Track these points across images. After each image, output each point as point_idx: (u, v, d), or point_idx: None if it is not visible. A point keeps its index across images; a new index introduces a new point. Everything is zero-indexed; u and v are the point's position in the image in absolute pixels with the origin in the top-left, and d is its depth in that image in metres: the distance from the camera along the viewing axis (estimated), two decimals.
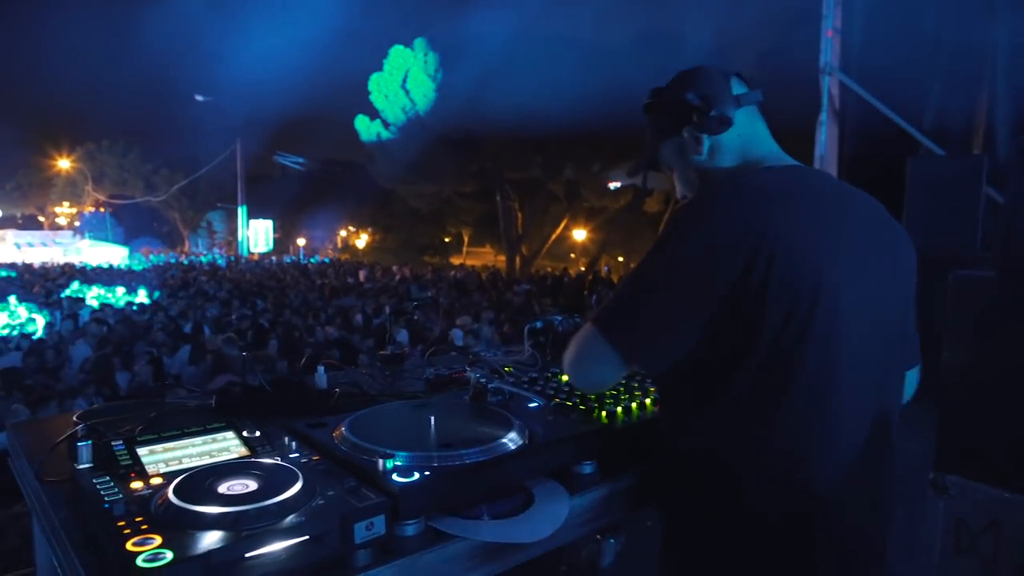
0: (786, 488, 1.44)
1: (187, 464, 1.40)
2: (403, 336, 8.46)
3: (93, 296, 15.51)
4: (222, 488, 1.24)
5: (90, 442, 1.38)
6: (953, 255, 5.31)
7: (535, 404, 1.82)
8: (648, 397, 1.88)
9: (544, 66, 21.18)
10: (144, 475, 1.33)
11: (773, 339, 1.38)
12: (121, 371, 8.04)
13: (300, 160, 40.31)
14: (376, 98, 25.95)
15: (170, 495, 1.20)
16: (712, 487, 1.50)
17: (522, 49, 22.21)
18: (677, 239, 1.46)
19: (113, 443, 1.43)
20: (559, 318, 2.88)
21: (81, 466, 1.35)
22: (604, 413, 1.74)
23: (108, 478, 1.30)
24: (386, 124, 25.90)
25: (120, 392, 7.34)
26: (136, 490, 1.26)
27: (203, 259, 32.97)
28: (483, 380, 1.90)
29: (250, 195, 31.70)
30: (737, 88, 1.64)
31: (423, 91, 24.51)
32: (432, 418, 1.62)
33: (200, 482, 1.25)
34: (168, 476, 1.32)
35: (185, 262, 30.46)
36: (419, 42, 24.86)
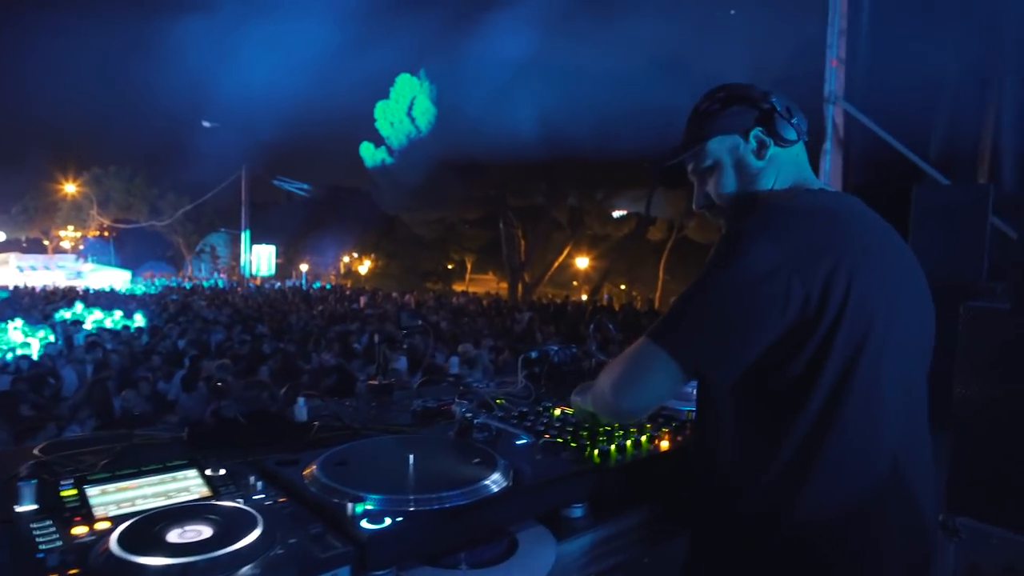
0: (832, 517, 1.39)
1: (140, 506, 1.29)
2: (402, 363, 8.33)
3: (92, 320, 15.40)
4: (172, 535, 1.13)
5: (35, 481, 1.27)
6: (959, 285, 5.22)
7: (523, 441, 1.71)
8: (644, 435, 1.77)
9: (549, 94, 21.27)
10: (90, 519, 1.22)
11: (837, 367, 1.36)
12: (116, 396, 7.91)
13: (304, 186, 40.43)
14: (381, 125, 26.09)
15: (112, 544, 1.09)
16: (753, 516, 1.43)
17: (527, 77, 22.33)
18: (742, 254, 1.37)
19: (61, 483, 1.32)
20: (555, 348, 2.78)
21: (22, 508, 1.24)
22: (596, 452, 1.62)
23: (50, 522, 1.19)
24: (391, 151, 26.01)
25: (115, 418, 7.21)
26: (78, 536, 1.15)
27: (206, 284, 32.97)
28: (469, 415, 1.79)
29: (254, 220, 31.76)
30: (778, 105, 1.62)
31: (428, 118, 24.63)
32: (411, 457, 1.51)
33: (147, 529, 1.14)
34: (117, 520, 1.21)
35: (187, 286, 30.40)
36: (425, 71, 25.05)
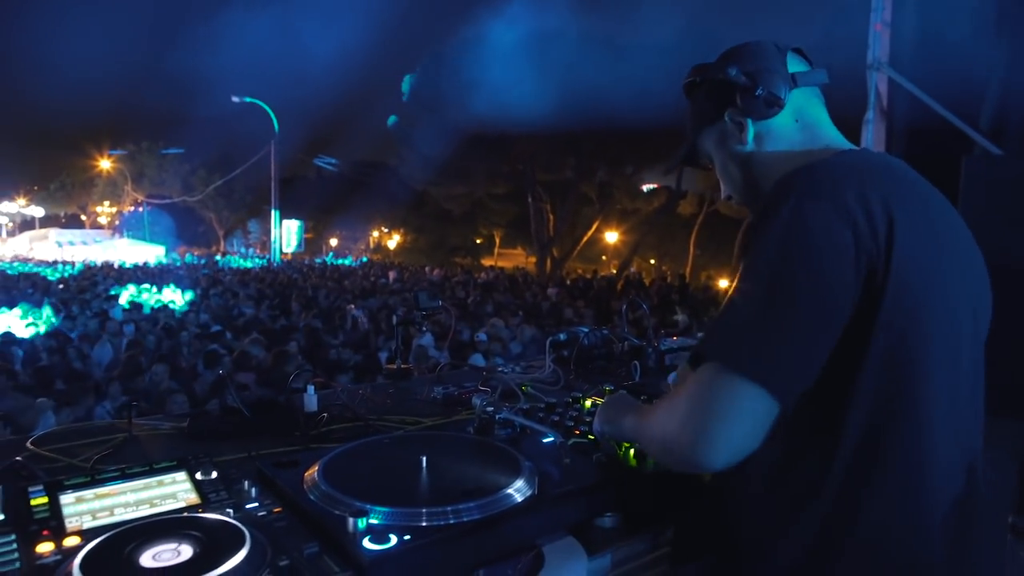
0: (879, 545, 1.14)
1: (119, 516, 1.15)
2: (427, 339, 8.20)
3: (128, 296, 15.43)
4: (145, 557, 0.99)
5: (1, 488, 1.13)
6: (1014, 262, 4.95)
7: (550, 439, 1.54)
8: None
9: (578, 66, 20.85)
10: (60, 532, 1.08)
11: (881, 362, 1.11)
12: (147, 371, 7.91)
13: (333, 161, 40.41)
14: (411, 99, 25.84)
15: (74, 569, 0.94)
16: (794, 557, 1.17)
17: (556, 48, 21.91)
18: (784, 238, 1.11)
19: (31, 490, 1.18)
20: (585, 330, 2.61)
21: None
22: (632, 452, 1.44)
23: (13, 537, 1.05)
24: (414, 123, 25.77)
25: (143, 393, 7.21)
26: (41, 556, 1.01)
27: (236, 259, 33.28)
28: (490, 409, 1.62)
29: (284, 196, 31.80)
30: (795, 65, 1.35)
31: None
32: (423, 460, 1.34)
33: (118, 549, 1.00)
34: (89, 534, 1.07)
35: (219, 261, 30.65)
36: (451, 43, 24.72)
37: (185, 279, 18.69)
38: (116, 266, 26.13)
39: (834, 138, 1.35)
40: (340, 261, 34.11)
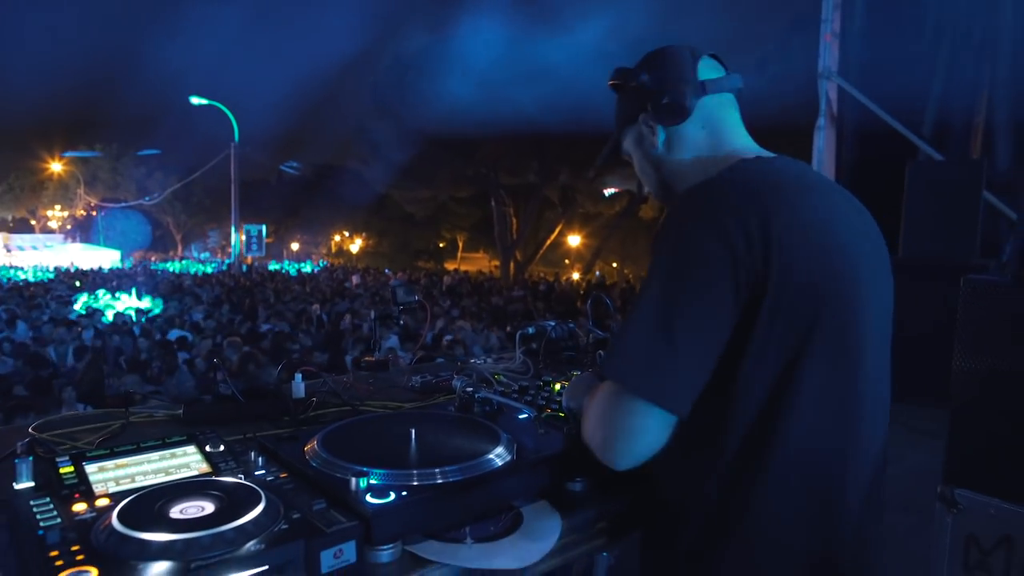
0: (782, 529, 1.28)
1: (140, 483, 1.27)
2: (393, 341, 8.31)
3: (83, 302, 15.00)
4: (174, 511, 1.11)
5: (31, 459, 1.25)
6: (953, 260, 5.25)
7: (525, 415, 1.70)
8: None
9: (540, 71, 21.10)
10: (90, 496, 1.20)
11: (780, 354, 1.23)
12: (110, 378, 7.87)
13: (295, 164, 40.09)
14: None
15: (113, 520, 1.07)
16: (699, 532, 1.32)
17: (518, 54, 22.13)
18: (679, 253, 1.24)
19: (58, 460, 1.30)
20: (552, 323, 2.77)
21: (20, 485, 1.22)
22: None
23: (48, 500, 1.17)
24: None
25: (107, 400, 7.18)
26: (78, 513, 1.13)
27: (196, 265, 32.77)
28: (470, 389, 1.78)
29: (244, 200, 31.50)
30: (706, 72, 1.43)
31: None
32: (413, 431, 1.49)
33: (149, 505, 1.12)
34: (117, 497, 1.19)
35: (178, 268, 30.14)
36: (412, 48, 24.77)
37: (143, 285, 18.36)
38: (71, 271, 25.46)
39: (740, 145, 1.44)
40: (298, 267, 33.38)
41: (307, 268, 32.58)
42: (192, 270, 30.06)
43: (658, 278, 1.25)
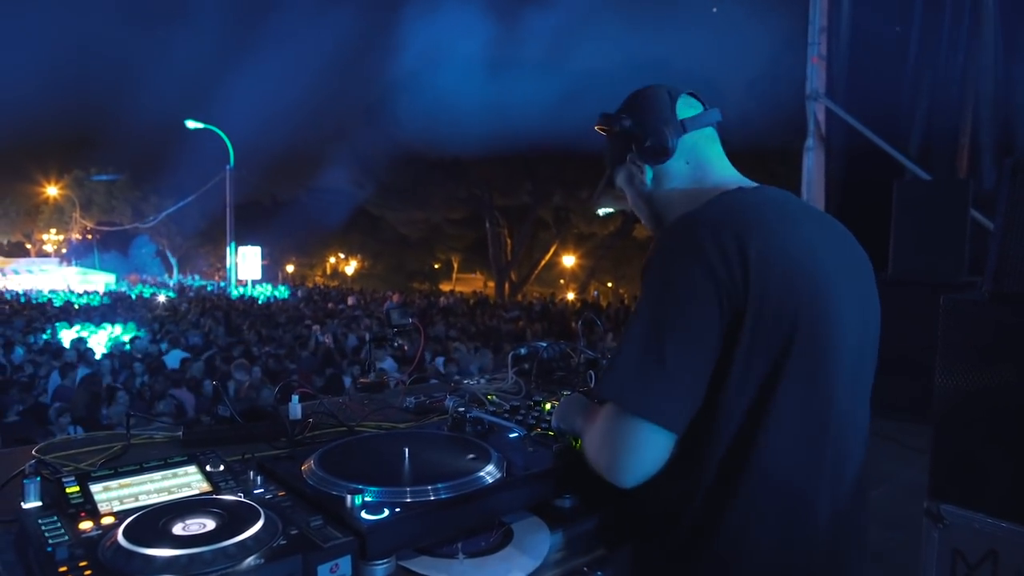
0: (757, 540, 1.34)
1: (143, 502, 1.32)
2: (389, 364, 8.34)
3: (76, 332, 14.52)
4: (177, 528, 1.16)
5: (38, 479, 1.30)
6: (940, 279, 5.32)
7: (515, 434, 1.75)
8: None
9: (533, 92, 21.32)
10: (95, 514, 1.24)
11: (758, 375, 1.29)
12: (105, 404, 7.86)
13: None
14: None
15: (119, 537, 1.11)
16: (683, 538, 1.38)
17: (511, 75, 22.37)
18: (660, 285, 1.32)
19: (64, 480, 1.34)
20: (544, 344, 2.82)
21: (28, 505, 1.26)
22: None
23: (55, 518, 1.21)
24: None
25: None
26: (84, 531, 1.18)
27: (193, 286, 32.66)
28: (462, 409, 1.83)
29: (239, 222, 31.59)
30: (685, 111, 1.52)
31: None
32: (406, 450, 1.54)
33: (152, 522, 1.17)
34: (121, 515, 1.23)
35: (172, 294, 29.92)
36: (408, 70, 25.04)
37: (136, 315, 17.81)
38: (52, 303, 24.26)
39: (722, 177, 1.53)
40: (282, 292, 31.62)
41: (283, 294, 30.99)
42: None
43: (648, 303, 1.33)
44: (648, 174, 1.55)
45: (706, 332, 1.28)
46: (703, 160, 1.54)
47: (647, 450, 1.30)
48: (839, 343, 1.36)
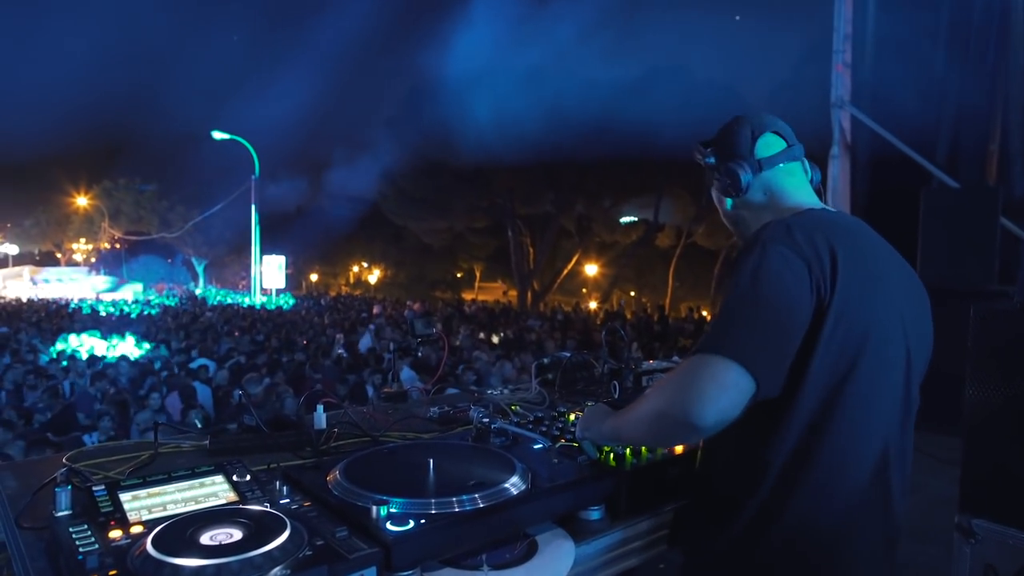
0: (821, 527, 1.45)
1: (171, 511, 1.33)
2: (407, 374, 8.33)
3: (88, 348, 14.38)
4: (204, 538, 1.17)
5: (69, 487, 1.31)
6: (970, 288, 5.22)
7: (540, 445, 1.75)
8: None
9: (556, 102, 21.37)
10: (125, 523, 1.26)
11: (830, 376, 1.40)
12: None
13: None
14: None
15: (148, 546, 1.13)
16: (747, 524, 1.47)
17: (534, 85, 22.43)
18: (757, 263, 1.40)
19: (94, 488, 1.36)
20: (567, 354, 2.81)
21: (59, 513, 1.28)
22: (612, 455, 1.65)
23: (86, 526, 1.23)
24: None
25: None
26: (114, 539, 1.19)
27: (219, 296, 32.93)
28: (486, 420, 1.83)
29: (264, 231, 31.89)
30: (764, 150, 1.63)
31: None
32: (431, 461, 1.54)
33: (180, 531, 1.18)
34: (150, 524, 1.25)
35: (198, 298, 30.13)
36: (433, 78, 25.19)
37: (154, 327, 17.50)
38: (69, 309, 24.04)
39: (800, 201, 1.63)
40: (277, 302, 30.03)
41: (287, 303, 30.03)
42: (211, 301, 30.08)
43: (743, 277, 1.39)
44: (728, 202, 1.68)
45: (798, 304, 1.36)
46: (780, 191, 1.64)
47: (731, 390, 1.31)
48: (900, 356, 1.50)
